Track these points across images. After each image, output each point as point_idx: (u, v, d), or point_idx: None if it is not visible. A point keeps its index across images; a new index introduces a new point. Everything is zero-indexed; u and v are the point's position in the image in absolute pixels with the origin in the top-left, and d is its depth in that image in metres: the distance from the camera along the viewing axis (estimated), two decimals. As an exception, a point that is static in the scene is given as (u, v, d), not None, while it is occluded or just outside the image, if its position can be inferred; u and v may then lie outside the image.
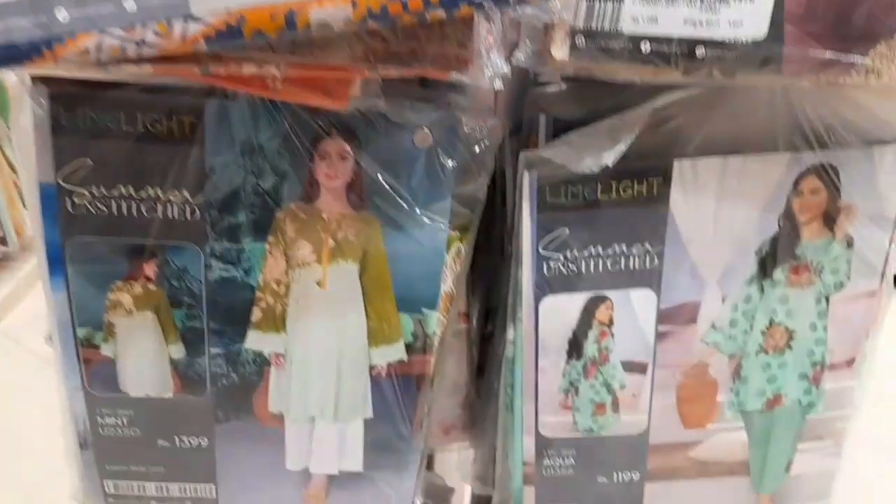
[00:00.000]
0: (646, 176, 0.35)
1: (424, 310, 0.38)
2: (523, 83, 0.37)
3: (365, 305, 0.37)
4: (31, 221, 0.36)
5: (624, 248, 0.37)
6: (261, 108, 0.33)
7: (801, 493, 0.43)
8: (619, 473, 0.42)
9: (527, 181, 0.35)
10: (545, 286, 0.37)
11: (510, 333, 0.40)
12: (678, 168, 0.35)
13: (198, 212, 0.35)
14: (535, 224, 0.36)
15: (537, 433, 0.41)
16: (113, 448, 0.40)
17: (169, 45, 0.24)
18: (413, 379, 0.39)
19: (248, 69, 0.28)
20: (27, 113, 0.33)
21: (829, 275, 0.38)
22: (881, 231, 0.37)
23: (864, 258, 0.38)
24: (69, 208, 0.34)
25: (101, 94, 0.32)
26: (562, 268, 0.37)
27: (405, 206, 0.35)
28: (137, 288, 0.36)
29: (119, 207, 0.34)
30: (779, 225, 0.37)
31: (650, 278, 0.37)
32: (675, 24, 0.28)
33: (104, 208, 0.34)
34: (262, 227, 0.35)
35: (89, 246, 0.35)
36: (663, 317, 0.38)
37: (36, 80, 0.32)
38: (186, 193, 0.34)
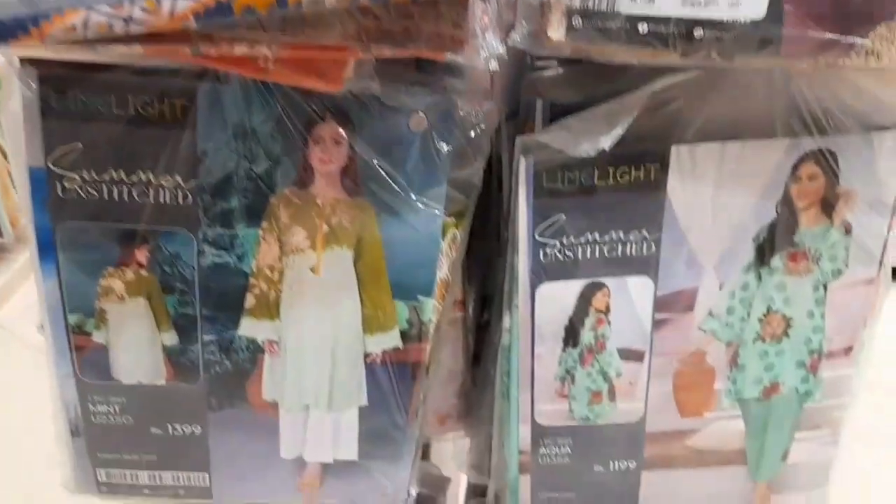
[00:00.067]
0: (643, 161, 0.35)
1: (420, 297, 0.37)
2: (520, 68, 0.36)
3: (359, 292, 0.37)
4: (21, 206, 0.35)
5: (621, 234, 0.36)
6: (253, 91, 0.33)
7: (797, 482, 0.43)
8: (616, 462, 0.42)
9: (523, 166, 0.34)
10: (541, 273, 0.37)
11: (506, 321, 0.40)
12: (676, 154, 0.35)
13: (190, 197, 0.34)
14: (532, 210, 0.35)
15: (533, 421, 0.41)
16: (105, 436, 0.40)
17: (157, 22, 0.24)
18: (408, 367, 0.39)
19: (240, 49, 0.27)
20: (16, 95, 0.32)
21: (827, 262, 0.38)
22: (880, 218, 0.37)
23: (863, 245, 0.37)
24: (59, 193, 0.34)
25: (92, 77, 0.32)
26: (558, 254, 0.37)
27: (400, 191, 0.35)
28: (129, 274, 0.36)
29: (110, 192, 0.34)
30: (777, 211, 0.37)
31: (647, 265, 0.37)
32: (672, 4, 0.27)
33: (95, 193, 0.34)
34: (256, 213, 0.35)
35: (80, 231, 0.35)
36: (660, 304, 0.38)
37: (25, 61, 0.32)
38: (178, 178, 0.34)
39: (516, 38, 0.28)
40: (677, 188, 0.35)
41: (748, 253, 0.37)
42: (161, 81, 0.32)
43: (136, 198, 0.34)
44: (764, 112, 0.35)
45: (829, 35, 0.28)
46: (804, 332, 0.39)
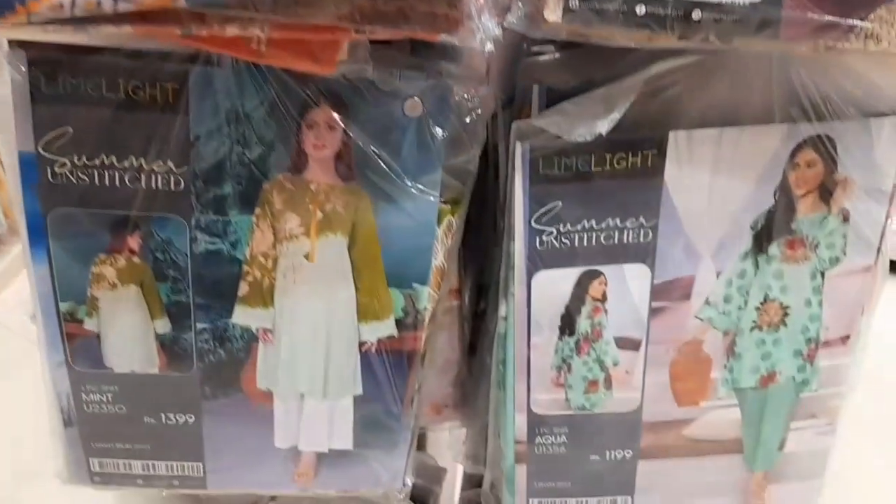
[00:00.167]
0: (640, 148, 0.35)
1: (415, 285, 0.37)
2: (516, 54, 0.36)
3: (354, 280, 0.37)
4: (11, 193, 0.35)
5: (618, 221, 0.36)
6: (246, 74, 0.32)
7: (794, 472, 0.43)
8: (612, 451, 0.42)
9: (519, 152, 0.34)
10: (538, 261, 0.37)
11: (502, 309, 0.39)
12: (673, 139, 0.34)
13: (182, 183, 0.34)
14: (528, 196, 0.35)
15: (529, 411, 0.40)
16: (98, 425, 0.40)
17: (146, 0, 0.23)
18: (404, 355, 0.39)
19: (231, 30, 0.27)
20: (5, 79, 0.32)
21: (825, 250, 0.38)
22: (878, 205, 0.37)
23: (860, 233, 0.37)
24: (50, 178, 0.33)
25: (82, 60, 0.31)
26: (555, 242, 0.36)
27: (395, 177, 0.34)
28: (121, 261, 0.36)
29: (101, 177, 0.34)
30: (774, 198, 0.36)
31: (644, 253, 0.37)
32: (671, -15, 0.27)
33: (86, 178, 0.33)
34: (249, 199, 0.35)
35: (71, 217, 0.34)
36: (657, 292, 0.38)
37: (13, 44, 0.31)
38: (171, 163, 0.34)
39: (512, 19, 0.28)
40: (675, 175, 0.35)
41: (745, 240, 0.37)
42: (152, 65, 0.32)
43: (127, 183, 0.34)
44: (762, 98, 0.35)
45: (828, 17, 0.28)
46: (801, 320, 0.39)
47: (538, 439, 0.41)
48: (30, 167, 0.33)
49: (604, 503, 0.43)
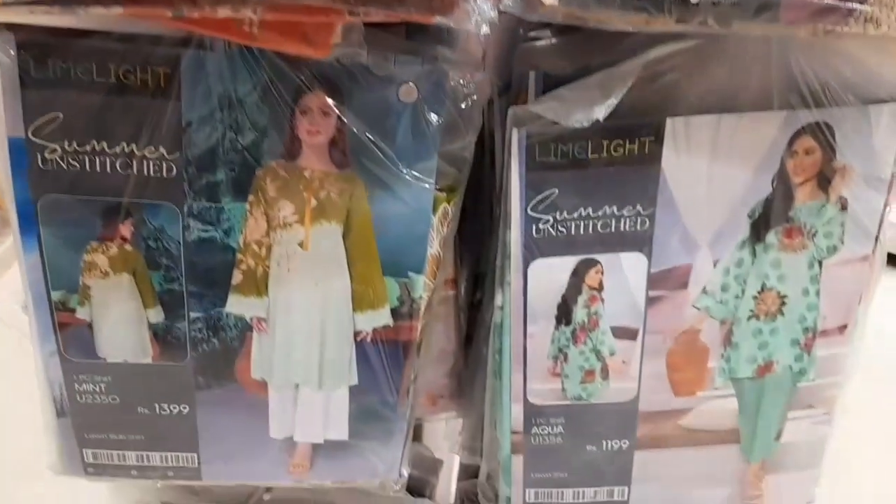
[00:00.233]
0: (638, 135, 0.34)
1: (411, 273, 0.37)
2: (512, 41, 0.36)
3: (349, 268, 0.36)
4: (1, 179, 0.34)
5: (615, 209, 0.36)
6: (239, 59, 0.32)
7: (791, 462, 0.43)
8: (609, 441, 0.42)
9: (516, 138, 0.34)
10: (534, 249, 0.37)
11: (498, 298, 0.39)
12: (671, 126, 0.34)
13: (175, 169, 0.34)
14: (525, 184, 0.35)
15: (526, 401, 0.40)
16: (91, 416, 0.39)
17: (136, -21, 0.23)
18: (399, 345, 0.38)
19: (223, 12, 0.26)
20: (-7, 63, 0.31)
21: (823, 238, 0.37)
22: (876, 193, 0.36)
23: (858, 221, 0.37)
24: (40, 164, 0.33)
25: (72, 43, 0.31)
26: (551, 230, 0.36)
27: (390, 164, 0.34)
28: (113, 249, 0.35)
29: (92, 164, 0.33)
30: (772, 186, 0.36)
31: (641, 241, 0.37)
32: (668, -33, 0.27)
33: (77, 164, 0.33)
34: (242, 186, 0.34)
35: (62, 204, 0.34)
36: (654, 281, 0.38)
37: (1, 27, 0.31)
38: (163, 150, 0.33)
39: (508, 1, 0.27)
40: (672, 162, 0.35)
41: (743, 229, 0.37)
42: (143, 49, 0.31)
43: (118, 170, 0.33)
44: (761, 85, 0.34)
45: (827, 0, 0.27)
46: (799, 309, 0.39)
47: (535, 429, 0.41)
48: (19, 153, 0.33)
49: (601, 493, 0.43)
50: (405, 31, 0.33)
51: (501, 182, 0.37)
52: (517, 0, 0.27)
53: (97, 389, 0.38)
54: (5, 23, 0.31)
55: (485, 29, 0.27)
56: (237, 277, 0.36)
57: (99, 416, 0.39)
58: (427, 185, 0.34)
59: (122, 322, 0.37)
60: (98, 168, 0.33)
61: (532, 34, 0.34)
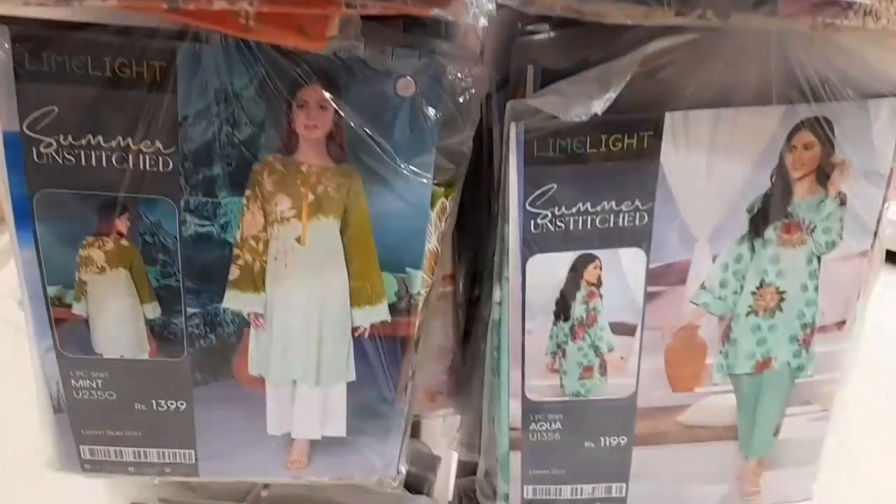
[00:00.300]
0: (636, 129, 0.34)
1: (408, 269, 0.36)
2: (511, 33, 0.36)
3: (347, 264, 0.36)
4: (-3, 174, 0.34)
5: (613, 204, 0.36)
6: (235, 52, 0.31)
7: (789, 458, 0.43)
8: (607, 438, 0.42)
9: (514, 133, 0.34)
10: (532, 244, 0.36)
11: (496, 294, 0.39)
12: (670, 121, 0.34)
13: (171, 163, 0.33)
14: (523, 178, 0.35)
15: (524, 397, 0.40)
16: (88, 412, 0.39)
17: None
18: (397, 341, 0.38)
19: (219, 4, 0.26)
20: (-12, 56, 0.31)
21: (822, 234, 0.37)
22: (875, 188, 0.36)
23: (857, 217, 0.37)
24: (35, 158, 0.33)
25: (67, 36, 0.31)
26: (549, 225, 0.36)
27: (387, 158, 0.34)
28: (109, 244, 0.35)
29: (88, 158, 0.33)
30: (771, 181, 0.36)
31: (640, 237, 0.37)
32: (667, -40, 0.27)
33: (72, 159, 0.33)
34: (239, 181, 0.34)
35: (58, 199, 0.34)
36: (653, 277, 0.38)
37: (-4, 20, 0.31)
38: (159, 144, 0.33)
39: (506, -6, 0.27)
40: (671, 157, 0.35)
41: (742, 224, 0.37)
42: (139, 42, 0.31)
43: (114, 164, 0.33)
44: (760, 79, 0.34)
45: (827, -7, 0.27)
46: (797, 305, 0.39)
47: (533, 426, 0.41)
48: (15, 147, 0.33)
49: (599, 490, 0.43)
50: (402, 25, 0.33)
51: (499, 177, 0.37)
52: (515, -7, 0.27)
53: (94, 385, 0.38)
54: (0, 16, 0.30)
55: (483, 21, 0.27)
56: (234, 273, 0.36)
57: (96, 413, 0.39)
58: (425, 180, 0.34)
59: (118, 318, 0.37)
60: (94, 162, 0.33)
61: (530, 28, 0.34)
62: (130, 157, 0.33)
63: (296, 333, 0.38)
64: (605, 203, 0.36)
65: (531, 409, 0.40)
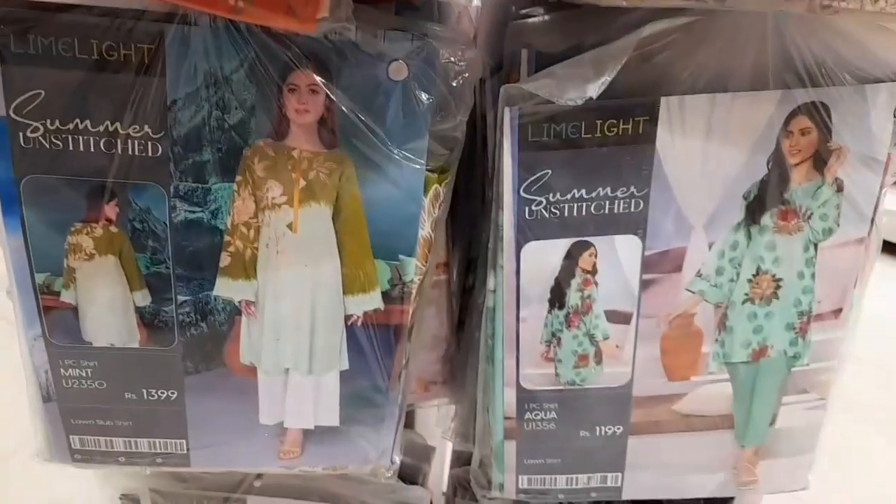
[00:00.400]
0: (632, 114, 0.34)
1: (402, 256, 0.36)
2: (504, 17, 0.35)
3: (339, 251, 0.36)
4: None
5: (609, 191, 0.35)
6: (224, 34, 0.31)
7: (785, 447, 0.43)
8: (602, 427, 0.41)
9: (508, 117, 0.33)
10: (527, 231, 0.36)
11: (491, 282, 0.39)
12: (665, 105, 0.34)
13: (160, 149, 0.33)
14: (517, 164, 0.34)
15: (519, 386, 0.40)
16: (78, 401, 0.39)
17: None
18: (390, 329, 0.38)
19: (207, -17, 0.26)
20: (-27, 38, 0.30)
21: (818, 221, 0.37)
22: (872, 174, 0.36)
23: (854, 203, 0.37)
24: (22, 143, 0.32)
25: (53, 18, 0.30)
26: (544, 212, 0.36)
27: (380, 144, 0.33)
28: (98, 230, 0.35)
29: (75, 143, 0.32)
30: (768, 167, 0.36)
31: (636, 223, 0.36)
32: (663, -61, 0.26)
33: (59, 144, 0.32)
34: (230, 166, 0.34)
35: (45, 185, 0.33)
36: (648, 264, 0.37)
37: (-20, 2, 0.30)
38: (147, 129, 0.32)
39: (499, -26, 0.27)
40: (667, 142, 0.34)
41: (738, 211, 0.37)
42: (126, 24, 0.31)
43: (102, 149, 0.33)
44: (757, 63, 0.34)
45: (824, -27, 0.27)
46: (794, 293, 0.39)
47: (527, 415, 0.41)
48: (1, 132, 0.32)
49: (594, 480, 0.43)
50: (395, 7, 0.32)
51: (494, 163, 0.36)
52: (508, -27, 0.27)
53: (83, 374, 0.38)
54: (-16, -3, 0.30)
55: (476, 2, 0.26)
56: (225, 260, 0.36)
57: (86, 402, 0.39)
58: (418, 166, 0.34)
59: (107, 305, 0.36)
60: (81, 147, 0.32)
61: (524, 11, 0.34)
62: (119, 141, 0.32)
63: (288, 321, 0.37)
64: (600, 189, 0.35)
65: (526, 398, 0.40)
